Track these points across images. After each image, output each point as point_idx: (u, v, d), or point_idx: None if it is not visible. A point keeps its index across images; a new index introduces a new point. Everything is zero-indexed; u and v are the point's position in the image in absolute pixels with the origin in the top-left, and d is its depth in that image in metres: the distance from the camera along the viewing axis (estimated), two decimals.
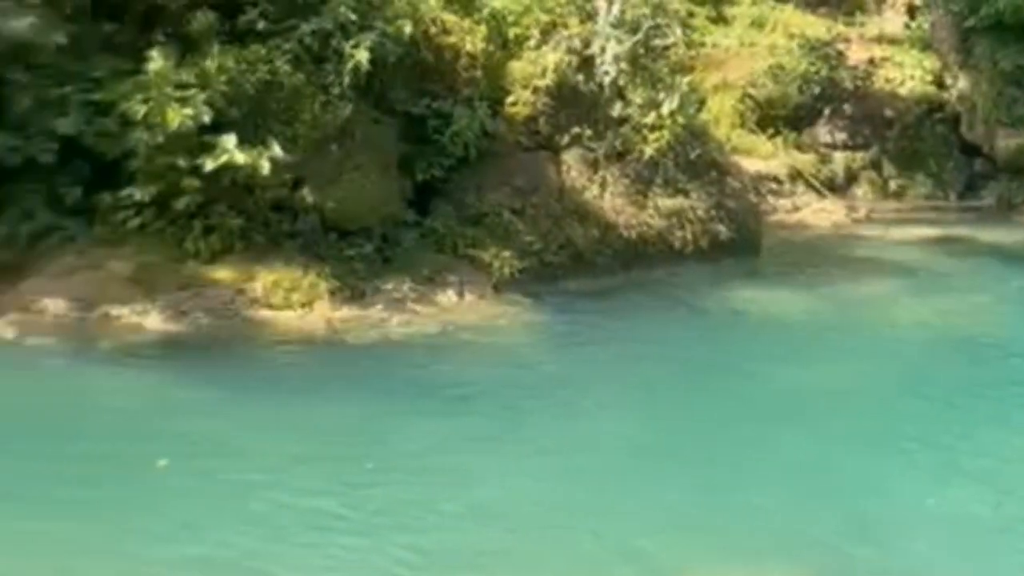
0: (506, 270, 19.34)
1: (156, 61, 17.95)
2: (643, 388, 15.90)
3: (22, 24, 18.06)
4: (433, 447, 13.46)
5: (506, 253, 19.46)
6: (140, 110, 17.73)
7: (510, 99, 20.80)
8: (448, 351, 17.23)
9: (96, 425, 13.92)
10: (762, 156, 26.89)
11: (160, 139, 17.74)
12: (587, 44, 21.24)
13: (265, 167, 17.91)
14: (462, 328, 17.90)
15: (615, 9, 21.33)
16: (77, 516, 11.43)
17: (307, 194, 18.79)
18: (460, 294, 18.93)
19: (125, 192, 18.12)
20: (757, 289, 20.46)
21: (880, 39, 30.73)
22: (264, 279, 17.93)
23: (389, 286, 18.59)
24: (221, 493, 12.18)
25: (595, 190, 20.90)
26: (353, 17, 18.90)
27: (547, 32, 21.39)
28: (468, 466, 12.99)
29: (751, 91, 27.85)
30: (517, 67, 21.07)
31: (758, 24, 29.81)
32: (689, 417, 14.85)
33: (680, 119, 21.15)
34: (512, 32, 21.32)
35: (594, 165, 21.05)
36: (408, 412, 14.49)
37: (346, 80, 18.85)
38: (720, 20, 30.04)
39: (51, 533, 11.13)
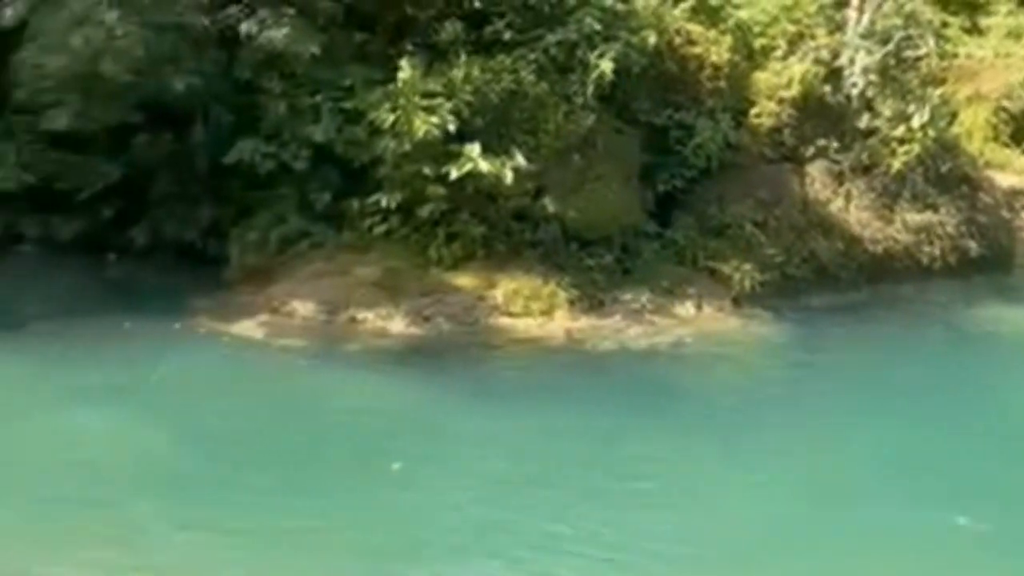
0: (746, 283, 19.11)
1: (405, 71, 18.28)
2: (884, 412, 15.32)
3: (278, 34, 18.63)
4: (664, 462, 13.31)
5: (747, 266, 19.23)
6: (388, 118, 18.11)
7: (754, 110, 20.56)
8: (685, 364, 17.10)
9: (337, 427, 14.22)
10: (1016, 171, 25.84)
11: (407, 147, 18.08)
12: (835, 55, 20.85)
13: (508, 176, 18.10)
14: (700, 341, 17.75)
15: (865, 20, 20.88)
16: (317, 521, 11.61)
17: (548, 203, 18.88)
18: (699, 306, 18.79)
19: (372, 199, 18.54)
20: (1011, 308, 19.76)
21: None
22: (504, 287, 18.11)
23: (628, 297, 18.57)
24: (446, 504, 12.20)
25: (840, 203, 20.50)
26: (598, 27, 18.96)
27: (794, 43, 21.08)
28: (696, 484, 12.83)
29: (1006, 103, 26.79)
30: (762, 78, 20.81)
31: (1015, 35, 28.69)
32: (931, 446, 14.23)
33: (930, 132, 20.58)
34: (758, 43, 21.06)
35: (839, 178, 20.64)
36: (642, 425, 14.37)
37: (590, 90, 18.92)
38: (974, 30, 29.03)
39: (285, 538, 11.38)
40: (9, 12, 19.27)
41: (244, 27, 18.86)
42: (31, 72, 19.63)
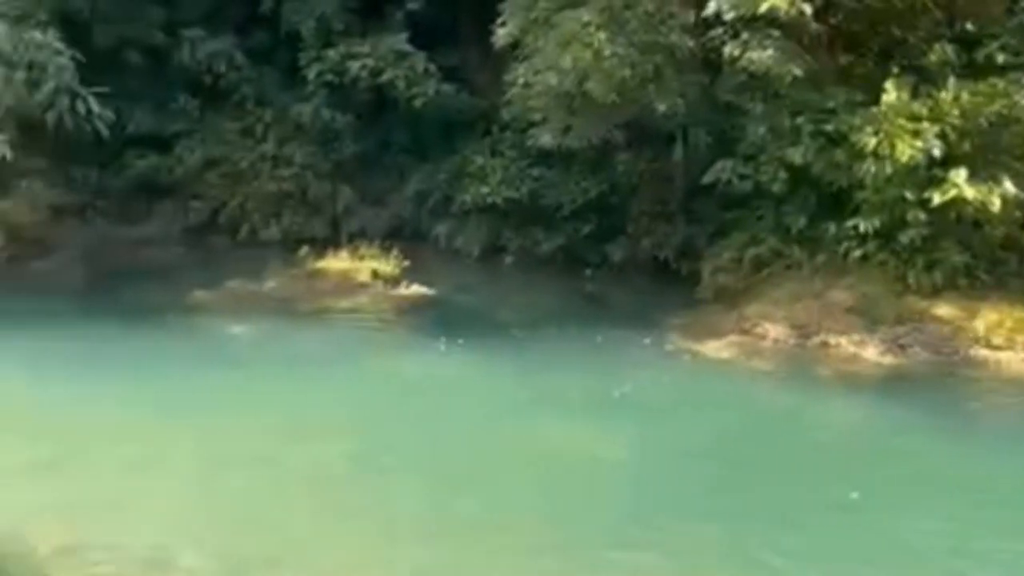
0: None
1: (890, 93, 17.89)
2: None
3: (762, 56, 18.55)
4: None
5: None
6: (871, 142, 17.72)
7: None
8: None
9: (801, 452, 13.88)
10: None
11: (889, 171, 17.64)
12: None
13: (995, 203, 17.32)
14: None
15: None
16: (765, 553, 11.32)
17: None
18: None
19: (850, 223, 18.19)
20: None
21: None
22: (987, 318, 17.30)
23: None
24: (897, 541, 11.52)
25: None
26: None
27: None
28: None
29: None
30: None
31: None
32: None
33: None
34: None
35: None
36: None
37: None
38: None
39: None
40: (503, 31, 20.18)
41: (727, 49, 18.90)
42: (520, 91, 20.50)
